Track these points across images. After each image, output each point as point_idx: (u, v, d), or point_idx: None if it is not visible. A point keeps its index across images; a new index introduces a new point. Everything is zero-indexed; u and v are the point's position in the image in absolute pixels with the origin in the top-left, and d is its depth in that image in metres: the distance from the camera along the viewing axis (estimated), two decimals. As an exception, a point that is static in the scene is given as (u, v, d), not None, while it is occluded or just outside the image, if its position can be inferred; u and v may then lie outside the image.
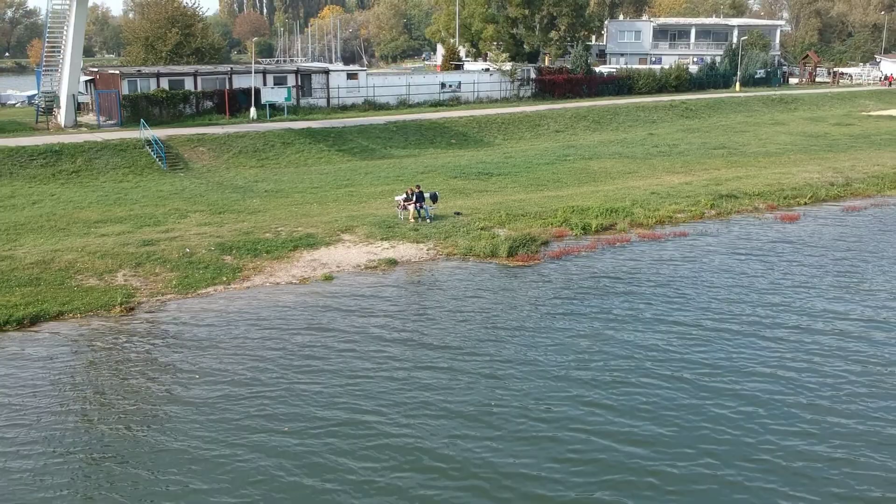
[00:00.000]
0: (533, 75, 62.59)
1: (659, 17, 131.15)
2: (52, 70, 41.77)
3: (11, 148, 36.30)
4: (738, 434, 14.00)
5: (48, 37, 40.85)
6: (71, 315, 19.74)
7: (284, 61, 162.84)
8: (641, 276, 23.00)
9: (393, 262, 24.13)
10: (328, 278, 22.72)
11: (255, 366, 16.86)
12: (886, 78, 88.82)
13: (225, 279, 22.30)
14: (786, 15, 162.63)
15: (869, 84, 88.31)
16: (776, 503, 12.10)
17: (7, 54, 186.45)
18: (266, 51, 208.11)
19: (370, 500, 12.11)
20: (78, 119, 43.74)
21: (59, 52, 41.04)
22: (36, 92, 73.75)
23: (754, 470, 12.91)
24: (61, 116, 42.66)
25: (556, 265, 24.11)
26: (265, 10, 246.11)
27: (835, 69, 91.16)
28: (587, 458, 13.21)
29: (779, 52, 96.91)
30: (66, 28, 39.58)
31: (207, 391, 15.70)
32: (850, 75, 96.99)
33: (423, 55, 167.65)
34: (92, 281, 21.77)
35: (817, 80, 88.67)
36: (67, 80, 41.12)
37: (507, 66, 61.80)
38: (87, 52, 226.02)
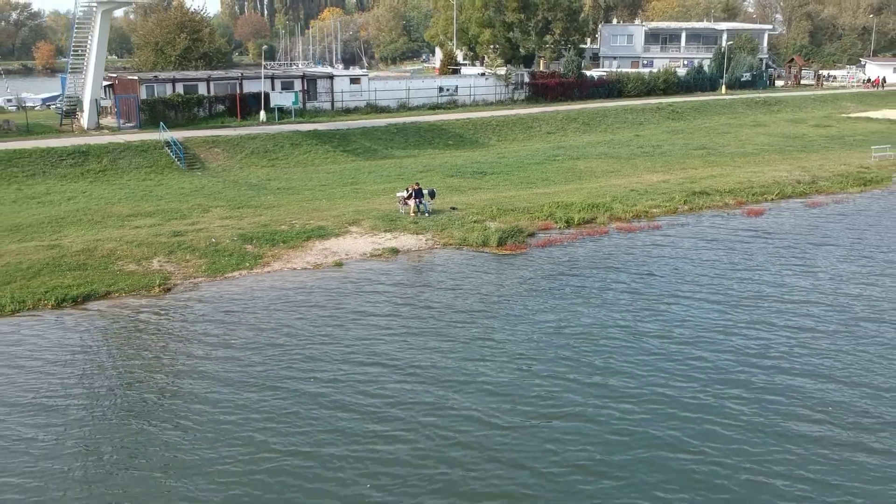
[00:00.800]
0: (527, 79, 65.69)
1: (651, 20, 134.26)
2: (76, 74, 44.67)
3: (42, 149, 39.36)
4: (678, 377, 17.04)
5: (73, 45, 43.85)
6: (117, 294, 22.77)
7: (287, 64, 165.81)
8: (615, 260, 26.08)
9: (395, 251, 27.18)
10: (338, 264, 25.78)
11: (281, 332, 19.89)
12: (869, 80, 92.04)
13: (248, 265, 25.34)
14: (779, 17, 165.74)
15: (853, 86, 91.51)
16: (698, 428, 15.15)
17: (12, 56, 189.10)
18: (267, 52, 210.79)
19: (375, 423, 15.14)
20: (99, 122, 46.72)
21: (84, 59, 44.01)
22: (51, 95, 77.12)
23: (686, 406, 15.97)
24: (84, 119, 45.69)
25: (541, 253, 27.19)
26: (265, 12, 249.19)
27: (819, 72, 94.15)
28: (554, 395, 16.25)
29: (767, 56, 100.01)
30: (90, 38, 42.59)
31: (238, 353, 18.73)
32: (836, 77, 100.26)
33: (423, 57, 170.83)
34: (131, 266, 24.81)
35: (803, 82, 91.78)
36: (91, 85, 44.17)
37: (502, 70, 64.94)
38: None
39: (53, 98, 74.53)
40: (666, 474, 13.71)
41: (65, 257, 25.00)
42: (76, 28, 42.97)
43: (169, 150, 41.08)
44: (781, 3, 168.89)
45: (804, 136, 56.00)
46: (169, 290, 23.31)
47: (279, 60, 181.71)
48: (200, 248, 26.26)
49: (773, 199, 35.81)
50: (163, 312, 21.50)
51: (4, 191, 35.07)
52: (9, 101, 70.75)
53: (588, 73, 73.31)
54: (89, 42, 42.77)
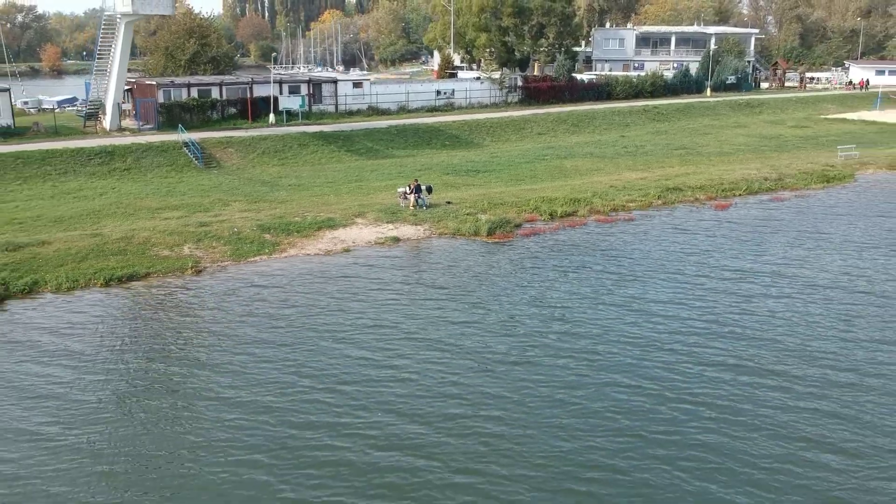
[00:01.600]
0: (520, 83, 69.15)
1: (644, 23, 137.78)
2: (100, 78, 48.07)
3: (72, 149, 42.82)
4: (632, 326, 20.54)
5: (98, 52, 47.27)
6: (155, 275, 26.23)
7: (289, 66, 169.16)
8: (591, 245, 29.58)
9: (396, 239, 30.65)
10: (347, 250, 29.25)
11: (300, 303, 23.36)
12: (851, 82, 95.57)
13: (267, 251, 28.81)
14: (771, 19, 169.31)
15: (836, 88, 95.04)
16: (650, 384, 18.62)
17: (18, 58, 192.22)
18: (268, 53, 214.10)
19: (383, 369, 18.61)
20: (120, 124, 50.18)
21: (106, 65, 47.44)
22: (65, 97, 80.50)
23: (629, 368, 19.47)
24: (107, 121, 49.13)
25: (526, 241, 30.68)
26: (266, 14, 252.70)
27: (802, 74, 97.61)
28: (531, 342, 19.75)
29: (754, 58, 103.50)
30: (113, 46, 46.03)
31: (265, 319, 22.19)
32: (820, 79, 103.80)
33: (422, 59, 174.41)
34: (165, 252, 28.27)
35: (787, 84, 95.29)
36: (113, 90, 47.62)
37: (497, 74, 68.44)
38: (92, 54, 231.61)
39: (68, 100, 78.07)
40: (602, 389, 17.23)
41: (106, 244, 28.46)
42: (101, 37, 46.37)
43: (187, 150, 44.53)
44: (773, 6, 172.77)
45: (780, 137, 59.51)
46: (200, 271, 26.78)
47: (281, 63, 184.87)
48: (224, 237, 29.74)
49: (740, 194, 39.30)
50: (197, 290, 24.98)
51: (41, 187, 38.53)
52: (25, 103, 74.25)
53: (578, 76, 76.70)
54: (112, 50, 46.20)
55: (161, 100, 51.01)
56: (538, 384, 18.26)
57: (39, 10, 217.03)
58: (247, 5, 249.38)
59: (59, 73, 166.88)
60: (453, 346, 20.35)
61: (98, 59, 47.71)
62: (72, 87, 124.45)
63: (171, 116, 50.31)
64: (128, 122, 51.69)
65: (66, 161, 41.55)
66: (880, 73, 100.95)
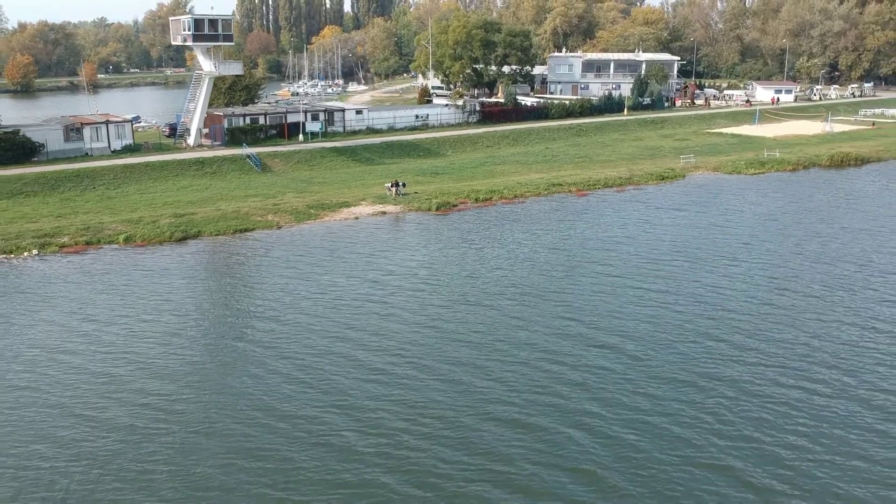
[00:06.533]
0: (478, 108, 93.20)
1: (598, 46, 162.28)
2: (188, 111, 72.09)
3: (177, 160, 66.78)
4: (518, 282, 44.54)
5: (189, 98, 71.29)
6: (256, 230, 50.08)
7: (295, 79, 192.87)
8: (495, 217, 53.58)
9: (384, 213, 54.55)
10: (356, 218, 53.19)
11: (333, 244, 47.22)
12: (748, 101, 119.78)
13: (313, 218, 52.67)
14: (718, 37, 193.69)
15: (736, 105, 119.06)
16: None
17: (49, 72, 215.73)
18: (275, 66, 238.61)
19: (384, 288, 42.50)
20: (200, 141, 74.11)
21: (192, 105, 71.45)
22: (133, 115, 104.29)
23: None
24: (191, 140, 73.07)
25: (458, 214, 54.68)
26: (271, 29, 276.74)
27: (705, 93, 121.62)
28: (456, 271, 43.70)
29: (676, 81, 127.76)
30: (199, 91, 70.02)
31: (316, 251, 46.09)
32: (730, 96, 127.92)
33: (413, 73, 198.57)
34: (258, 218, 52.17)
35: (697, 102, 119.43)
36: (197, 118, 71.62)
37: (461, 102, 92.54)
38: (118, 68, 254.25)
39: (135, 119, 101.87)
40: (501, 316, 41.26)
41: (226, 214, 52.43)
42: (192, 85, 70.30)
43: (249, 160, 68.46)
44: (720, 26, 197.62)
45: (660, 148, 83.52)
46: (280, 227, 50.75)
47: (287, 75, 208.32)
48: (289, 211, 53.75)
49: (598, 188, 63.33)
50: (279, 237, 48.98)
51: (164, 184, 62.34)
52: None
53: (523, 100, 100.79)
54: (199, 93, 70.17)
55: (226, 125, 74.96)
56: (458, 309, 42.39)
57: (69, 29, 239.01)
58: (253, 21, 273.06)
59: (95, 87, 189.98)
60: (411, 256, 44.46)
61: (189, 99, 71.76)
62: (111, 102, 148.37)
63: (233, 136, 74.23)
64: (203, 141, 75.63)
65: (175, 167, 65.50)
66: (778, 91, 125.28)
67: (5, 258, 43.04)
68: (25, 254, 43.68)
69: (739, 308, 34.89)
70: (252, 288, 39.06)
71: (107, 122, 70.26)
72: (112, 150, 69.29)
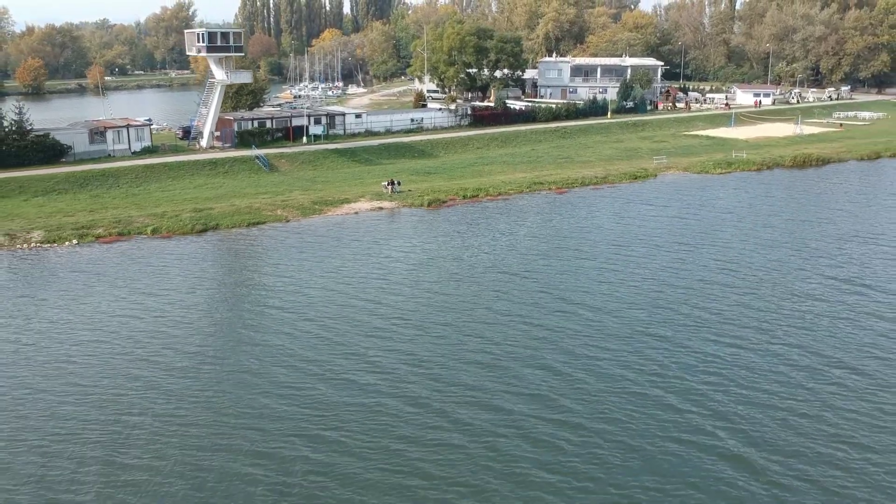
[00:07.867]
0: (469, 111, 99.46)
1: (587, 50, 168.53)
2: (203, 116, 78.41)
3: (192, 161, 73.06)
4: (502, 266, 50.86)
5: (203, 99, 77.58)
6: (268, 223, 56.32)
7: (297, 82, 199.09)
8: (481, 212, 59.89)
9: (381, 208, 60.87)
10: (356, 213, 59.49)
11: (336, 235, 53.50)
12: (727, 104, 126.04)
13: (318, 213, 58.94)
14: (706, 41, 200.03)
15: (716, 108, 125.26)
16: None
17: (57, 74, 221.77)
18: (276, 69, 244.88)
19: (386, 271, 48.81)
20: (212, 143, 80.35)
21: (205, 109, 77.75)
22: (146, 118, 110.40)
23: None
24: (203, 142, 79.34)
25: (448, 209, 60.99)
26: (272, 32, 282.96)
27: (686, 97, 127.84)
28: (451, 256, 50.01)
29: (660, 85, 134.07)
30: (211, 98, 76.34)
31: (321, 240, 52.40)
32: (711, 100, 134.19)
33: (409, 77, 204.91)
34: (268, 212, 58.45)
35: (678, 105, 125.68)
36: (210, 122, 77.92)
37: (453, 106, 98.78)
38: (123, 70, 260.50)
39: (148, 121, 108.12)
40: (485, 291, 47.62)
41: (240, 209, 58.76)
42: (206, 92, 76.62)
43: (258, 161, 74.73)
44: (708, 30, 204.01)
45: (637, 150, 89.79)
46: (288, 221, 57.06)
47: (289, 77, 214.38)
48: (295, 206, 60.07)
49: (577, 186, 69.66)
50: (289, 229, 55.25)
51: (182, 183, 68.58)
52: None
53: (512, 104, 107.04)
54: (210, 99, 76.48)
55: (236, 128, 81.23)
56: (456, 284, 48.78)
57: (75, 33, 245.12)
58: (255, 24, 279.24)
59: (102, 89, 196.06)
60: (406, 243, 50.79)
61: (202, 104, 78.08)
62: (120, 104, 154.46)
63: (242, 139, 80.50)
64: (214, 143, 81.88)
65: (191, 167, 71.79)
66: (757, 95, 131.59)
67: (50, 246, 49.36)
68: (67, 243, 49.98)
69: (686, 284, 41.32)
70: (273, 267, 45.46)
71: (127, 126, 76.55)
72: (132, 151, 75.58)
